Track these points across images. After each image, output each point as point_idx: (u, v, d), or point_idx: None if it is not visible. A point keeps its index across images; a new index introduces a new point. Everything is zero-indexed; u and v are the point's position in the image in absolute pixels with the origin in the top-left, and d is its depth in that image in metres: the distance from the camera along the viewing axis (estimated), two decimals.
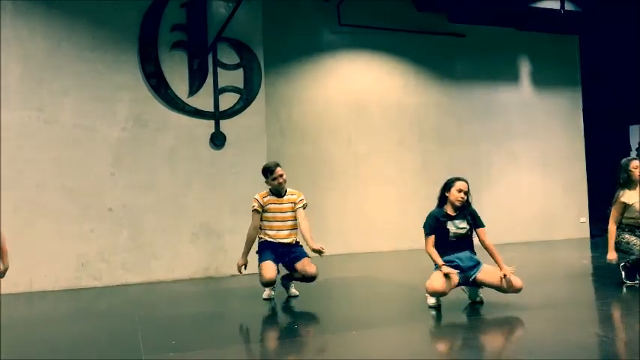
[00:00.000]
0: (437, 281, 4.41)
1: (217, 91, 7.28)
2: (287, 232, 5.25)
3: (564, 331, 3.78)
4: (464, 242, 4.60)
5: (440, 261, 4.47)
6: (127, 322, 4.56)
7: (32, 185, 6.48)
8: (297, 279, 5.30)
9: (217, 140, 7.25)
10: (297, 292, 5.37)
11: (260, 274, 5.16)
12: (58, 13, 6.68)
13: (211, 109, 7.24)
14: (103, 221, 6.73)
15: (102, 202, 6.74)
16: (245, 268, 5.28)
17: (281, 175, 5.19)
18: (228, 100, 7.33)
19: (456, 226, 4.57)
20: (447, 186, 4.61)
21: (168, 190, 7.02)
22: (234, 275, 6.94)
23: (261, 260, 5.21)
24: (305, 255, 5.27)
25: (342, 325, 4.25)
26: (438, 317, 4.29)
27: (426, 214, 4.63)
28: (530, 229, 10.26)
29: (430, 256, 4.56)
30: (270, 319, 4.55)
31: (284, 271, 5.38)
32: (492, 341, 3.58)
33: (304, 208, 5.27)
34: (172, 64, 7.10)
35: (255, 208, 5.24)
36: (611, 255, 5.32)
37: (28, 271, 6.39)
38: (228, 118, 7.30)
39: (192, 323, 4.50)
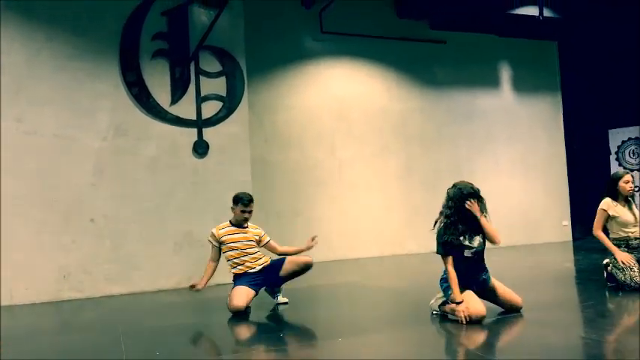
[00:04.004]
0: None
1: (200, 100, 7.24)
2: (259, 264, 5.19)
3: (548, 333, 3.81)
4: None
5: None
6: (110, 334, 4.49)
7: (12, 196, 6.38)
8: (296, 274, 5.24)
9: (200, 149, 7.21)
10: (287, 300, 5.31)
11: (229, 300, 4.96)
12: (36, 21, 6.60)
13: (194, 117, 7.21)
14: (85, 232, 6.64)
15: (83, 212, 6.65)
16: (198, 290, 5.16)
17: (250, 212, 5.22)
18: (210, 109, 7.30)
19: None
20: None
21: (151, 200, 6.96)
22: (218, 285, 6.89)
23: (234, 285, 5.10)
24: (284, 259, 5.25)
25: (328, 332, 4.24)
26: (423, 322, 4.29)
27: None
28: (512, 233, 10.32)
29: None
30: (256, 329, 4.52)
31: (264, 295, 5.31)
32: (477, 345, 3.59)
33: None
34: (154, 72, 7.06)
35: (210, 241, 5.25)
36: (620, 255, 5.06)
37: (9, 284, 6.28)
38: (211, 126, 7.27)
39: (176, 334, 4.45)
